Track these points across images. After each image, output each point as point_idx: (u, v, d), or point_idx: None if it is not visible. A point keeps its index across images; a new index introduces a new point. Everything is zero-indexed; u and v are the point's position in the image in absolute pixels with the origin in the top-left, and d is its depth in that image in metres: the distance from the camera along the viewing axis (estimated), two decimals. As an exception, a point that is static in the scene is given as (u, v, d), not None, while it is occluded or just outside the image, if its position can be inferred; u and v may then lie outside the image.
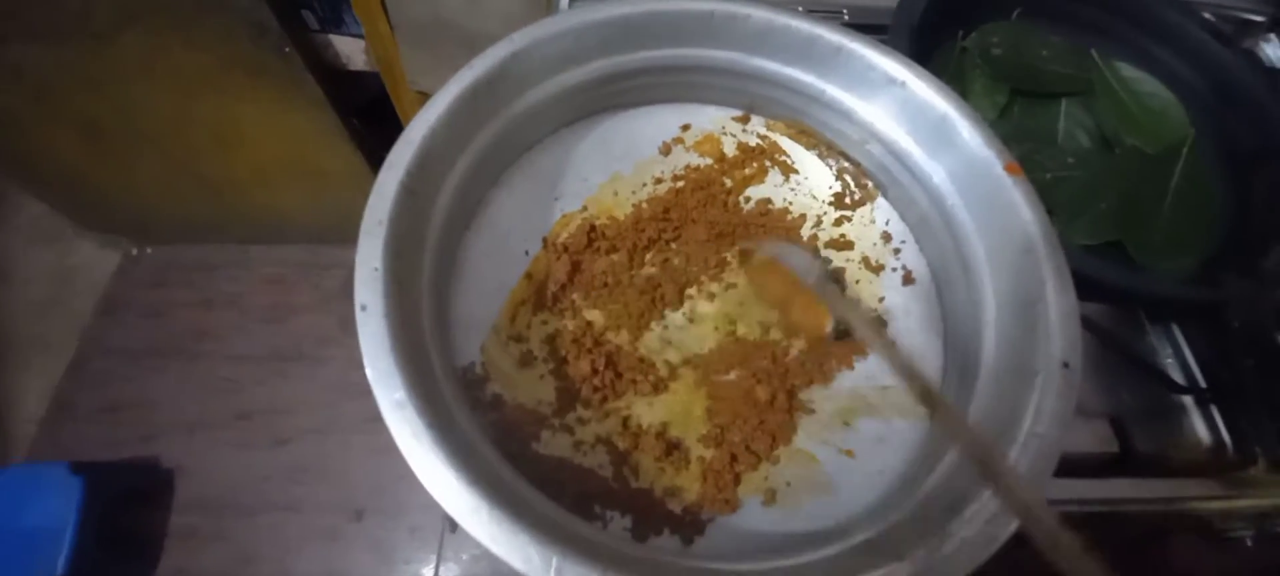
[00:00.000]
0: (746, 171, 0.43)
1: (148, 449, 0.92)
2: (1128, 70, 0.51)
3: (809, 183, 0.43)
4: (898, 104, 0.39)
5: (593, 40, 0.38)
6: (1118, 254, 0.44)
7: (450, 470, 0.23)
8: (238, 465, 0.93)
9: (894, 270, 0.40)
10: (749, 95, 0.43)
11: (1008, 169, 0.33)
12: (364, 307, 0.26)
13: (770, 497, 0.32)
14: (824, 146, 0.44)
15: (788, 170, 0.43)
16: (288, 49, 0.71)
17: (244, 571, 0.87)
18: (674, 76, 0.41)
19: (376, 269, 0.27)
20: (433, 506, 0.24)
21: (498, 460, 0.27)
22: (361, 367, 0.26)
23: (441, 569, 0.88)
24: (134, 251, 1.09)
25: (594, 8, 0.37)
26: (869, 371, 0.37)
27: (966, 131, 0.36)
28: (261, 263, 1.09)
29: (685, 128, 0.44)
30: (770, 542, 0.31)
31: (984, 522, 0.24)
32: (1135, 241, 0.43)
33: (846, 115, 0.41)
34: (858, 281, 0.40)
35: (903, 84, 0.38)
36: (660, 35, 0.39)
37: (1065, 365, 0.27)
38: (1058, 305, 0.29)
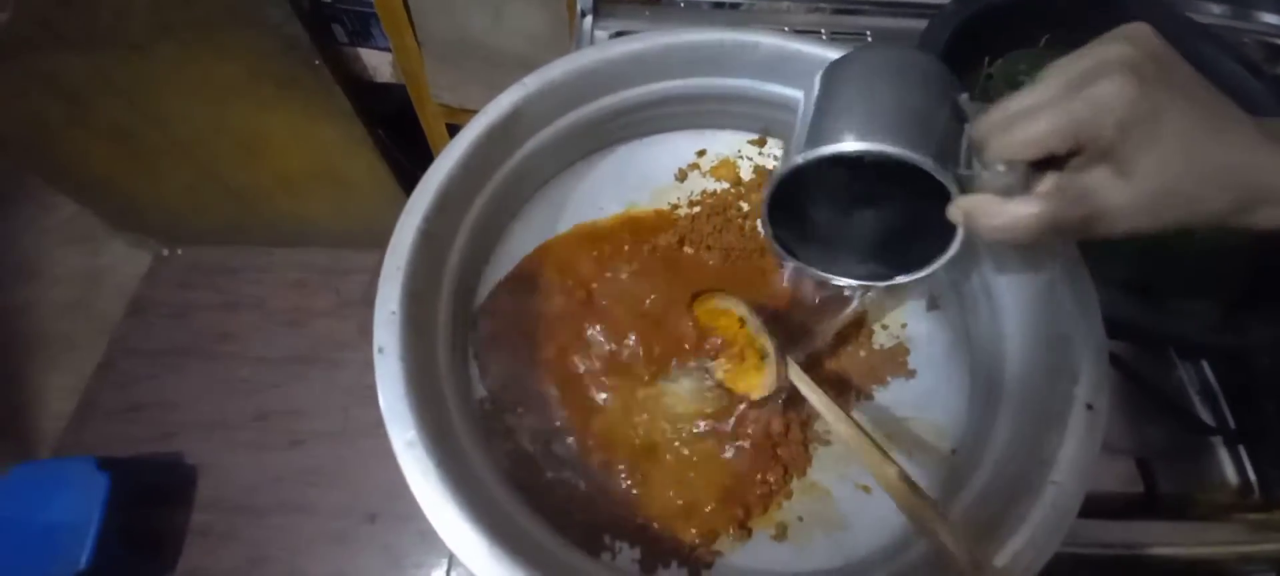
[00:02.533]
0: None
1: (168, 447, 0.94)
2: (1159, 101, 0.49)
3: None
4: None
5: (605, 77, 0.38)
6: (1147, 293, 0.43)
7: (454, 507, 0.24)
8: (254, 465, 0.94)
9: (918, 296, 0.40)
10: (765, 120, 0.43)
11: (1036, 195, 0.33)
12: (381, 350, 0.27)
13: (781, 532, 0.32)
14: (843, 170, 0.43)
15: (806, 195, 0.43)
16: (317, 61, 0.73)
17: (257, 571, 0.88)
18: (689, 105, 0.41)
19: (394, 312, 0.28)
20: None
21: (507, 494, 0.27)
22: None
23: (453, 573, 0.89)
24: (165, 252, 1.12)
25: (605, 46, 0.38)
26: (887, 402, 0.36)
27: None
28: (285, 266, 1.11)
29: (701, 153, 0.44)
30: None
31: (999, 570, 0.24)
32: (1163, 281, 0.42)
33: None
34: (880, 306, 0.39)
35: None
36: (673, 68, 0.39)
37: (1089, 407, 0.27)
38: (1084, 342, 0.29)
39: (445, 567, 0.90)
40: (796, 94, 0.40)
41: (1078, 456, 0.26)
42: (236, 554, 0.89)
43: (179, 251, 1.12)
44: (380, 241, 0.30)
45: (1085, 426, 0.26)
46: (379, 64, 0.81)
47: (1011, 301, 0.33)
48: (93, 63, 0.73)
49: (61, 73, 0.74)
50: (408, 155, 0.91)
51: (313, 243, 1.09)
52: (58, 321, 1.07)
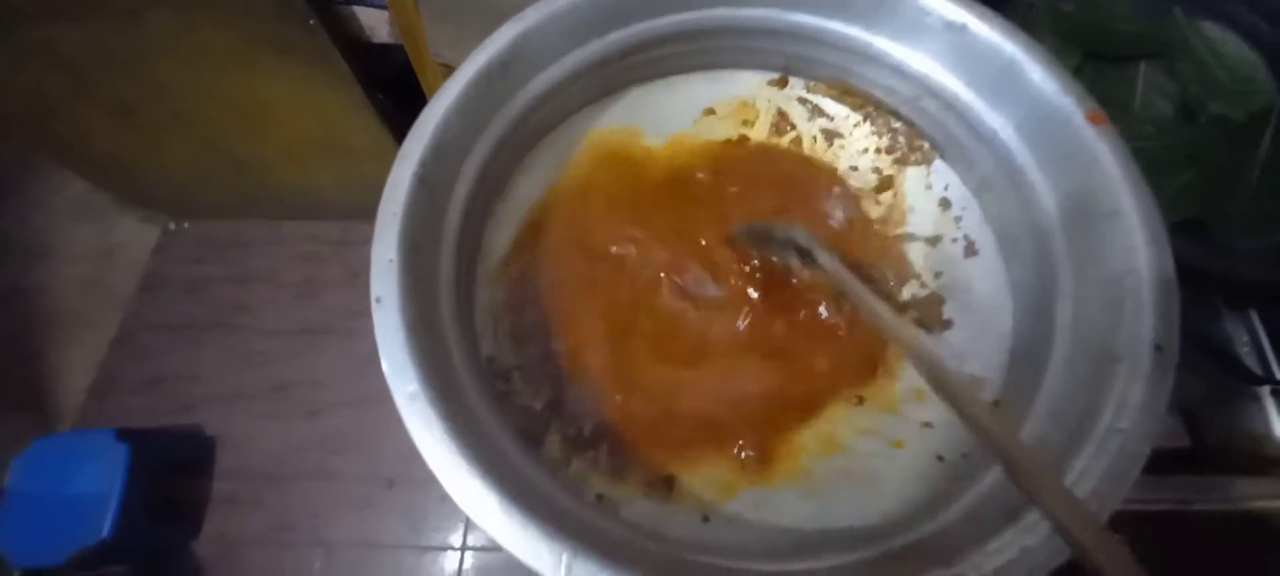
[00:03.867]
0: (785, 139, 0.40)
1: (188, 419, 0.95)
2: (1213, 30, 0.45)
3: (855, 147, 0.40)
4: (956, 52, 0.35)
5: (610, 10, 0.35)
6: (1196, 232, 0.40)
7: (462, 462, 0.23)
8: (274, 435, 0.95)
9: (954, 241, 0.37)
10: (786, 56, 0.40)
11: (1090, 117, 0.29)
12: (379, 300, 0.26)
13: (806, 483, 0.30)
14: (872, 106, 0.40)
15: (831, 135, 0.40)
16: (312, 21, 0.70)
17: (281, 537, 0.90)
18: (702, 41, 0.38)
19: (391, 261, 0.27)
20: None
21: (517, 451, 0.26)
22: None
23: (469, 536, 0.90)
24: (172, 226, 1.12)
25: None
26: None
27: (1039, 76, 0.32)
28: (294, 239, 1.10)
29: (718, 97, 0.41)
30: (802, 538, 0.29)
31: (1049, 532, 0.22)
32: (1217, 218, 0.39)
33: (897, 69, 0.37)
34: (912, 255, 0.37)
35: (963, 27, 0.34)
36: (683, -3, 0.36)
37: (1158, 348, 0.24)
38: (1151, 277, 0.26)
39: (462, 531, 0.91)
40: (825, 23, 0.37)
41: (1147, 400, 0.23)
42: (261, 520, 0.90)
43: (188, 226, 1.12)
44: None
45: (1153, 368, 0.24)
46: (376, 23, 0.78)
47: (1063, 239, 0.31)
48: (89, 32, 0.71)
49: (58, 44, 0.72)
50: (410, 120, 0.88)
51: (321, 214, 1.08)
52: (73, 298, 1.07)
